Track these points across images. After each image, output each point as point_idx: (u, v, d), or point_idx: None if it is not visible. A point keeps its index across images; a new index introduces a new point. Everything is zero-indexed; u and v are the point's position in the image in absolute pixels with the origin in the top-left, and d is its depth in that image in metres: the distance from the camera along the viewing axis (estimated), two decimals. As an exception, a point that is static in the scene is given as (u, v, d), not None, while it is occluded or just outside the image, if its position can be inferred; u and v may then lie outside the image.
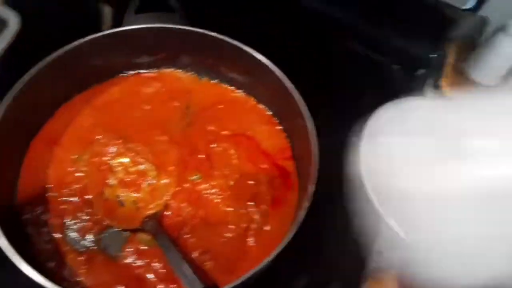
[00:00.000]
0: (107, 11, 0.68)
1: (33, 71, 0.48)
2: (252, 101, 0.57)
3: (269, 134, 0.54)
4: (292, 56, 0.57)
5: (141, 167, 0.50)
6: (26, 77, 0.47)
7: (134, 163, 0.50)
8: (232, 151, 0.51)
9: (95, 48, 0.52)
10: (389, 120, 0.39)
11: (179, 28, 0.55)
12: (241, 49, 0.52)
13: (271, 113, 0.56)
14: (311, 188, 0.42)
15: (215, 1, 0.65)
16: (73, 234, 0.45)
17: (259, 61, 0.51)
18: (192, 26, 0.54)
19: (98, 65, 0.54)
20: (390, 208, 0.34)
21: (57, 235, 0.45)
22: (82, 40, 0.51)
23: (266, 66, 0.51)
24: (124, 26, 0.57)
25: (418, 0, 0.60)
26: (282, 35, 0.64)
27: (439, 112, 0.38)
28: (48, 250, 0.44)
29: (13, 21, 0.48)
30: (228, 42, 0.53)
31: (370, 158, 0.37)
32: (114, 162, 0.50)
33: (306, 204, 0.41)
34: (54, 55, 0.50)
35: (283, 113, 0.55)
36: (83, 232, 0.45)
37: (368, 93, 0.57)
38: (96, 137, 0.52)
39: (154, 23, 0.55)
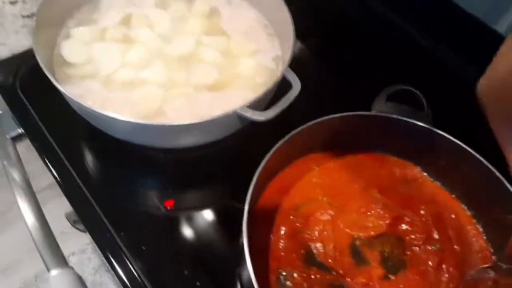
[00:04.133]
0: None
1: (295, 132, 0.55)
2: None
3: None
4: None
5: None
6: (289, 136, 0.55)
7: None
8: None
9: (341, 123, 0.59)
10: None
11: (423, 126, 0.58)
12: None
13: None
14: None
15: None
16: (285, 282, 0.51)
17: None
18: (436, 126, 0.57)
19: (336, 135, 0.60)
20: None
21: (272, 277, 0.51)
22: (334, 116, 0.58)
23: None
24: (373, 110, 0.62)
25: None
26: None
27: None
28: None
29: (296, 85, 0.56)
30: (471, 156, 0.55)
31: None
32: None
33: None
34: (312, 123, 0.57)
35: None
36: (294, 284, 0.50)
37: None
38: (317, 196, 0.58)
39: (401, 114, 0.59)
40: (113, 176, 0.60)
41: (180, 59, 0.62)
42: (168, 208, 0.56)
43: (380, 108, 0.63)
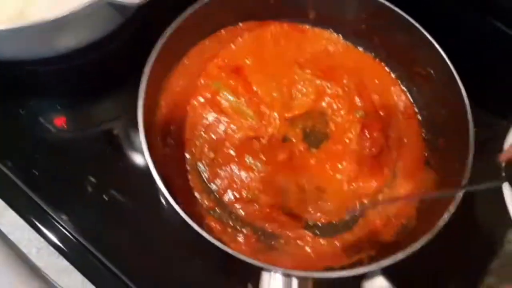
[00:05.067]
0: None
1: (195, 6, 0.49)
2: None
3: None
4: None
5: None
6: (187, 12, 0.49)
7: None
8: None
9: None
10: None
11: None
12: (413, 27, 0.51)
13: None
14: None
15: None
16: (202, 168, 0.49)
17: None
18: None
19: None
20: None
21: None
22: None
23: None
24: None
25: None
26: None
27: None
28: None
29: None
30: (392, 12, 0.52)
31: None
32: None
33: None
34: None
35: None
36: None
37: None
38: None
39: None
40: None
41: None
42: (59, 126, 0.49)
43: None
